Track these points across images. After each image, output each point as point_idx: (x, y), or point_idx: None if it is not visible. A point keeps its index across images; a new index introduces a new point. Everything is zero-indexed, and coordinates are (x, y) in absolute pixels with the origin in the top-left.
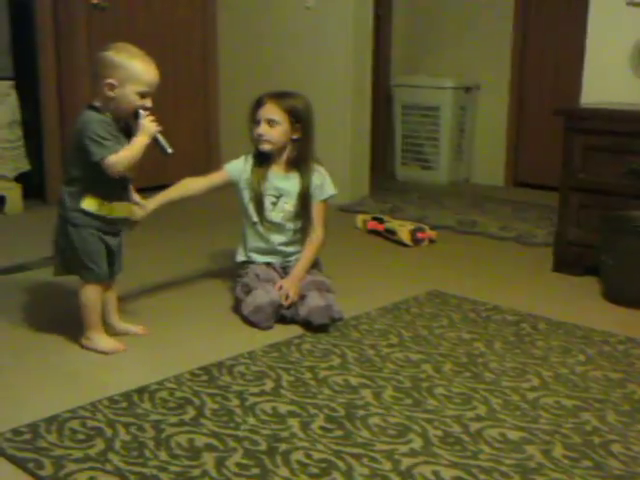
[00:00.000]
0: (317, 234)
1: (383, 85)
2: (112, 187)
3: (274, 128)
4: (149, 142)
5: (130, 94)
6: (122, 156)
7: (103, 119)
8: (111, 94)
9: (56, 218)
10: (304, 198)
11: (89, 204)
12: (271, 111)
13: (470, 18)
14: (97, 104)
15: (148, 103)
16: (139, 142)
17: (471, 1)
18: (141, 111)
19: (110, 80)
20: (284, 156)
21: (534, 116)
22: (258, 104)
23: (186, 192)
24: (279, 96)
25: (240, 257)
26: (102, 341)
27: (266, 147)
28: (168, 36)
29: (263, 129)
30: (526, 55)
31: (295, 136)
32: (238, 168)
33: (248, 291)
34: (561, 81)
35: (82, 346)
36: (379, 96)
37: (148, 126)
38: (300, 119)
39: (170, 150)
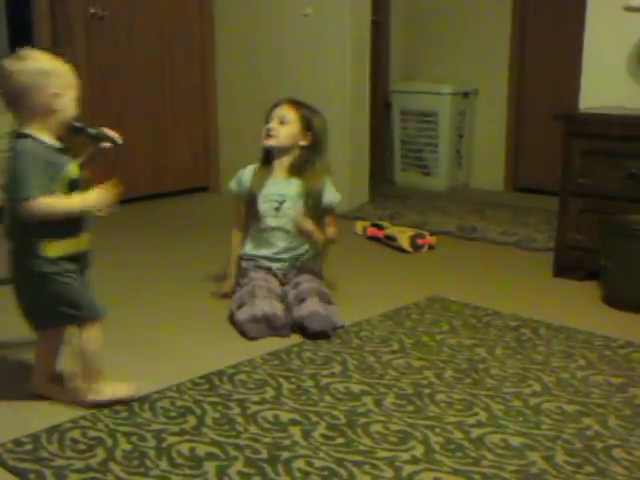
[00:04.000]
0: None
1: (381, 91)
2: (70, 222)
3: (284, 126)
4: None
5: (70, 103)
6: (49, 204)
7: (38, 146)
8: (55, 107)
9: (14, 270)
10: (307, 204)
11: (54, 250)
12: (285, 111)
13: (468, 23)
14: (28, 130)
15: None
16: (84, 200)
17: (469, 6)
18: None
19: (54, 90)
20: (288, 160)
21: (533, 121)
22: (274, 105)
23: (240, 245)
24: (297, 102)
25: (244, 250)
26: (114, 388)
27: (271, 142)
28: (166, 44)
29: (273, 124)
30: (524, 60)
31: (304, 142)
32: (237, 181)
33: (242, 304)
34: (560, 86)
35: (87, 402)
36: (377, 102)
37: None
38: (312, 127)
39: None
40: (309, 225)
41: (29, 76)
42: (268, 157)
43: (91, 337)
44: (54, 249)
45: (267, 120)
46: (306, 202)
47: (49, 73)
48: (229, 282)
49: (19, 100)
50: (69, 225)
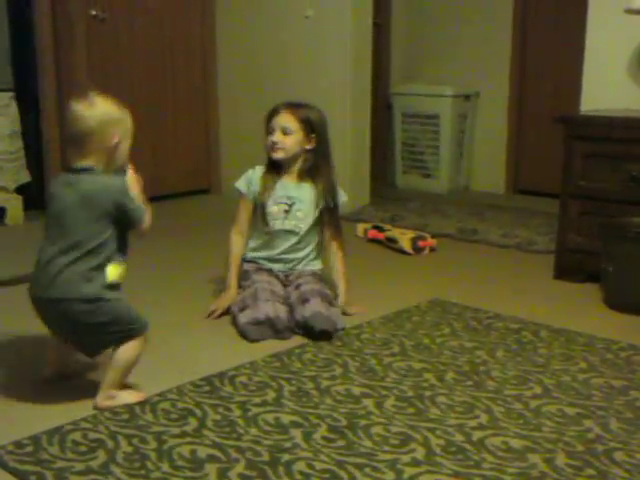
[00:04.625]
0: (337, 243)
1: (383, 93)
2: (126, 242)
3: (288, 136)
4: None
5: (126, 150)
6: (148, 214)
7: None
8: (115, 152)
9: (67, 306)
10: (317, 207)
11: (114, 274)
12: (286, 120)
13: (469, 25)
14: (92, 165)
15: None
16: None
17: (470, 9)
18: (128, 168)
19: (117, 138)
20: (296, 166)
21: (534, 123)
22: (273, 113)
23: (242, 252)
24: (294, 106)
25: (245, 253)
26: (126, 395)
27: (279, 155)
28: (167, 47)
29: (277, 137)
30: (525, 62)
31: (309, 146)
32: (246, 182)
33: (245, 307)
34: (561, 88)
35: (98, 407)
36: (379, 104)
37: (135, 180)
38: (315, 129)
39: None
40: (355, 309)
41: (97, 122)
42: (274, 162)
43: (131, 348)
44: (115, 271)
45: (268, 130)
46: (315, 206)
47: (116, 121)
48: (230, 293)
49: (83, 142)
50: (126, 246)
